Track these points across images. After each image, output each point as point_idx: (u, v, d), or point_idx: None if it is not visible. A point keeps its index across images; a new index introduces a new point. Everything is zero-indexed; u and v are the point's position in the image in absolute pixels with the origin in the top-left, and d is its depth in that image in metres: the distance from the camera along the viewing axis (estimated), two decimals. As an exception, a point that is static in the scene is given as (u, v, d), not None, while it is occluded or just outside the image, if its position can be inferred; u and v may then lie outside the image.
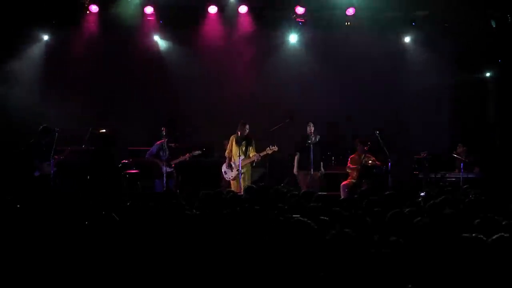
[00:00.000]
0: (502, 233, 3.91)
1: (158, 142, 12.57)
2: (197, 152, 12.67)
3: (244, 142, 12.18)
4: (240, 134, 12.17)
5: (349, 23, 14.16)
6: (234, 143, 12.23)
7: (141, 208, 6.26)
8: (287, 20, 14.41)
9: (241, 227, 5.34)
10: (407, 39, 14.47)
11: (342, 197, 11.50)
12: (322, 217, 5.31)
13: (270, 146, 12.06)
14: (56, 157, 11.57)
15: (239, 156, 11.97)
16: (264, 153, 12.08)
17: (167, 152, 12.39)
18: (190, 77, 14.68)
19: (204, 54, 14.67)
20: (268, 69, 14.79)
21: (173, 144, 12.59)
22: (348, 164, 12.84)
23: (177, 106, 14.70)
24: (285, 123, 12.90)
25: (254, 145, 12.28)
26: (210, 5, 14.00)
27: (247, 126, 12.22)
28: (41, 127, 11.62)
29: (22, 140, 11.94)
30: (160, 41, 14.60)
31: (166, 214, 6.01)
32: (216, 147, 14.05)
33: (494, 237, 3.86)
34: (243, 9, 14.06)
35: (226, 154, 12.43)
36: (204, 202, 7.16)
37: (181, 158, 12.55)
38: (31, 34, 13.89)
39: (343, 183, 12.61)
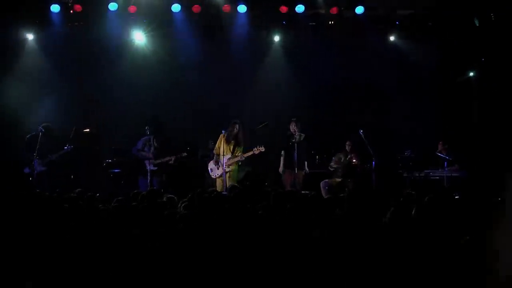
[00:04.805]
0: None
1: (144, 138, 12.60)
2: (184, 154, 12.66)
3: (233, 141, 12.22)
4: (230, 133, 12.20)
5: (332, 22, 14.17)
6: (223, 141, 12.24)
7: (126, 208, 6.24)
8: (271, 19, 14.39)
9: (226, 225, 5.34)
10: (391, 38, 14.50)
11: (323, 195, 11.57)
12: (305, 216, 5.33)
13: (257, 147, 12.04)
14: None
15: (225, 155, 12.01)
16: (250, 153, 12.07)
17: (152, 148, 12.42)
18: (175, 77, 14.67)
19: (190, 54, 14.60)
20: (252, 69, 14.80)
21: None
22: (332, 163, 12.93)
23: (161, 106, 14.63)
24: (263, 126, 12.95)
25: (242, 145, 12.29)
26: (194, 5, 13.92)
27: (237, 126, 12.24)
28: (44, 124, 11.77)
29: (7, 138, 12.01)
30: (144, 41, 14.49)
31: (151, 213, 6.01)
32: (200, 147, 14.04)
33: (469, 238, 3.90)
34: (226, 8, 13.99)
35: (215, 150, 12.44)
36: (192, 201, 7.16)
37: (166, 159, 12.53)
38: (15, 33, 13.76)
39: (324, 180, 12.64)
